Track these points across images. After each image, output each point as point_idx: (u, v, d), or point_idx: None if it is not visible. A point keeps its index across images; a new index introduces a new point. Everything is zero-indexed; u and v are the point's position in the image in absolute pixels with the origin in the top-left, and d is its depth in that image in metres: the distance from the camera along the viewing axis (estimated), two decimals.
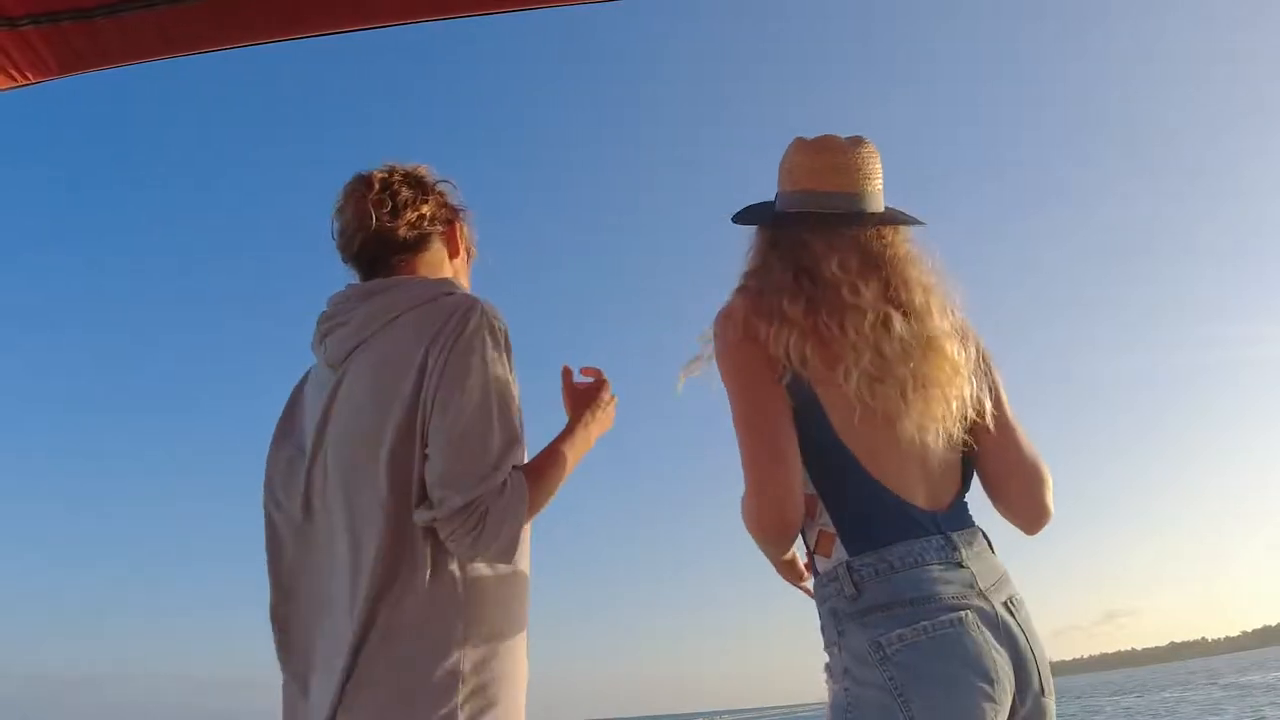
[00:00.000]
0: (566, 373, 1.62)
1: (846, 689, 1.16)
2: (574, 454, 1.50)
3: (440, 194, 1.60)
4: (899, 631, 1.14)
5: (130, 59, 1.79)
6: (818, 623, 1.27)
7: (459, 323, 1.37)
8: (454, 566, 1.32)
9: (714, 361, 1.34)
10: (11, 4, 1.64)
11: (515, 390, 1.39)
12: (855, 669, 1.16)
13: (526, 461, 1.42)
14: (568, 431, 1.53)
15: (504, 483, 1.31)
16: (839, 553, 1.23)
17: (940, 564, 1.19)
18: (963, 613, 1.16)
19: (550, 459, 1.45)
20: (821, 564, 1.26)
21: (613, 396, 1.61)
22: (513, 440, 1.35)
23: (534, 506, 1.37)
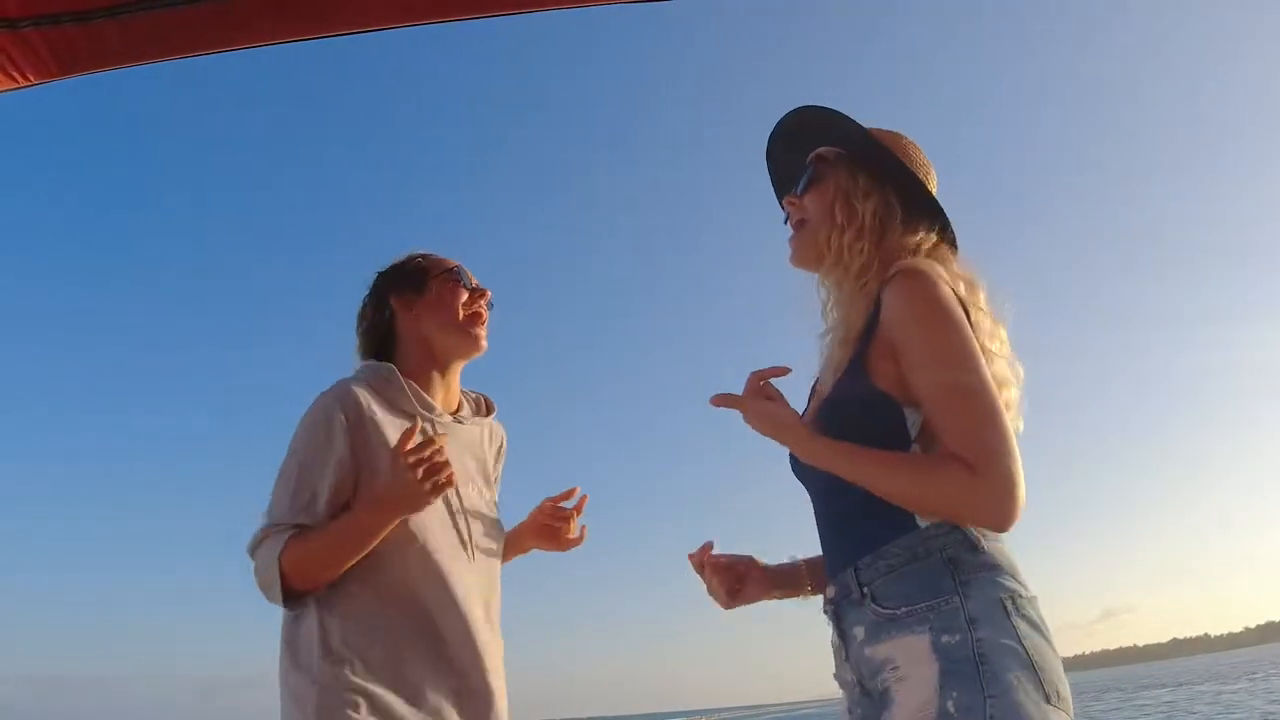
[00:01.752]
0: (406, 434, 1.57)
1: (979, 639, 1.11)
2: (349, 534, 1.56)
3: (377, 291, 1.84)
4: (1024, 594, 1.18)
5: (130, 61, 1.78)
6: (885, 588, 1.19)
7: None
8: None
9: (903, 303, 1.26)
10: (12, 6, 1.64)
11: (321, 453, 1.59)
12: (987, 619, 1.13)
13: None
14: (361, 506, 1.59)
15: (262, 538, 1.59)
16: None
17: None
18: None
19: (325, 536, 1.57)
20: (926, 517, 1.21)
21: (428, 480, 1.52)
22: (279, 496, 1.61)
23: (300, 567, 1.55)
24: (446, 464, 1.53)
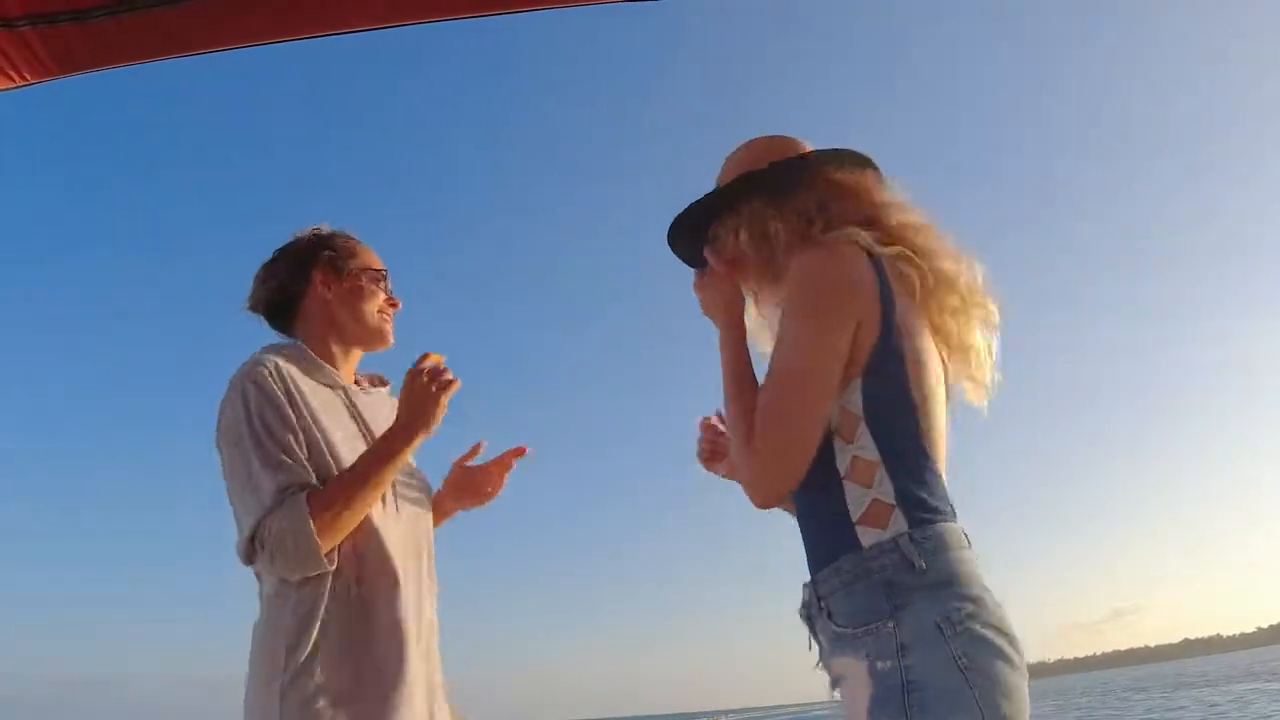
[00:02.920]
0: (421, 361, 1.62)
1: (908, 666, 1.09)
2: (380, 462, 1.55)
3: (296, 251, 1.79)
4: (968, 608, 1.13)
5: (128, 60, 1.79)
6: (838, 605, 1.19)
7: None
8: (269, 592, 1.53)
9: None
10: (9, 5, 1.65)
11: (278, 421, 1.53)
12: (917, 645, 1.10)
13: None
14: (383, 437, 1.59)
15: (273, 506, 1.48)
16: (897, 524, 1.18)
17: (970, 548, 1.21)
18: (997, 596, 1.18)
19: (342, 478, 1.53)
20: (870, 535, 1.18)
21: (434, 383, 1.58)
22: (259, 469, 1.51)
23: (332, 515, 1.48)
24: (447, 370, 1.60)
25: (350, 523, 1.50)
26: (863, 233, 1.28)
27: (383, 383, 1.89)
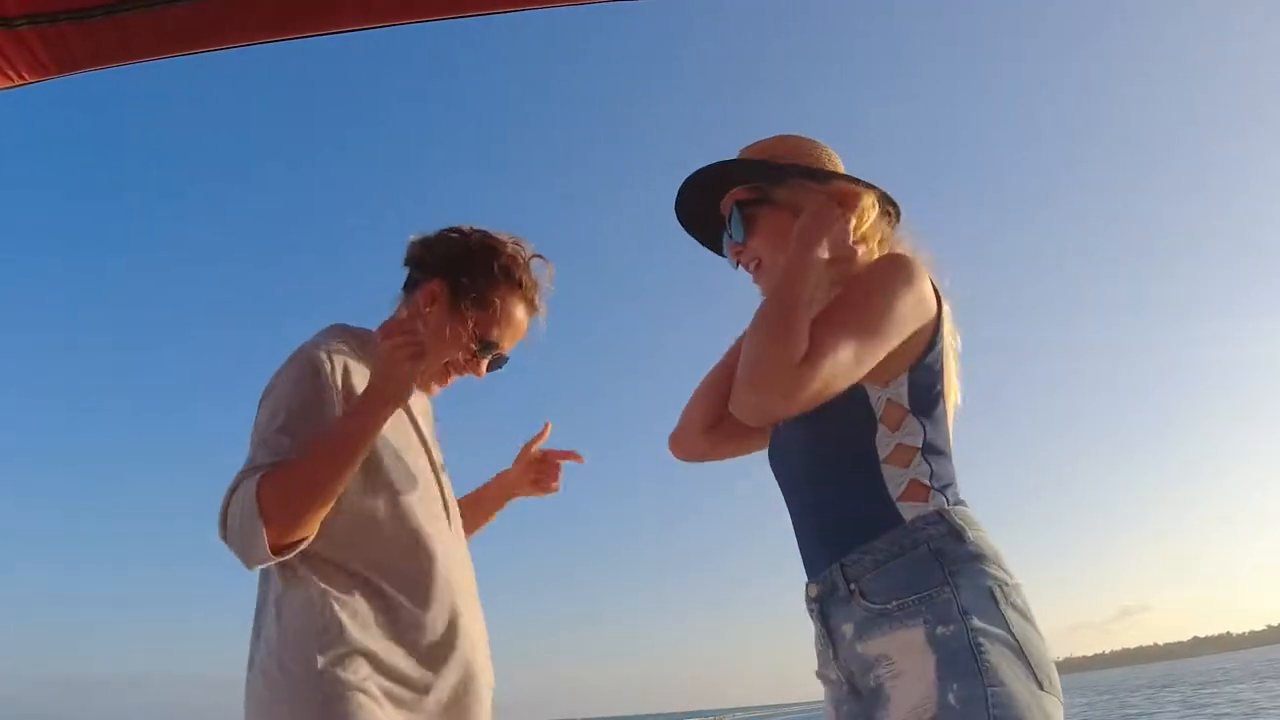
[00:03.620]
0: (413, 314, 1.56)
1: (975, 629, 1.10)
2: (341, 441, 1.39)
3: (449, 248, 1.66)
4: (1011, 582, 1.17)
5: (127, 59, 1.78)
6: (874, 584, 1.18)
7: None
8: (281, 585, 1.44)
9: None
10: (8, 4, 1.64)
11: (309, 405, 1.43)
12: (977, 610, 1.12)
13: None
14: (346, 412, 1.44)
15: (234, 486, 1.38)
16: (936, 500, 1.22)
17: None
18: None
19: (310, 446, 1.39)
20: (912, 509, 1.21)
21: (405, 348, 1.39)
22: (255, 449, 1.42)
23: (282, 495, 1.34)
24: (421, 337, 1.42)
25: (311, 506, 1.35)
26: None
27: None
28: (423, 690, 1.45)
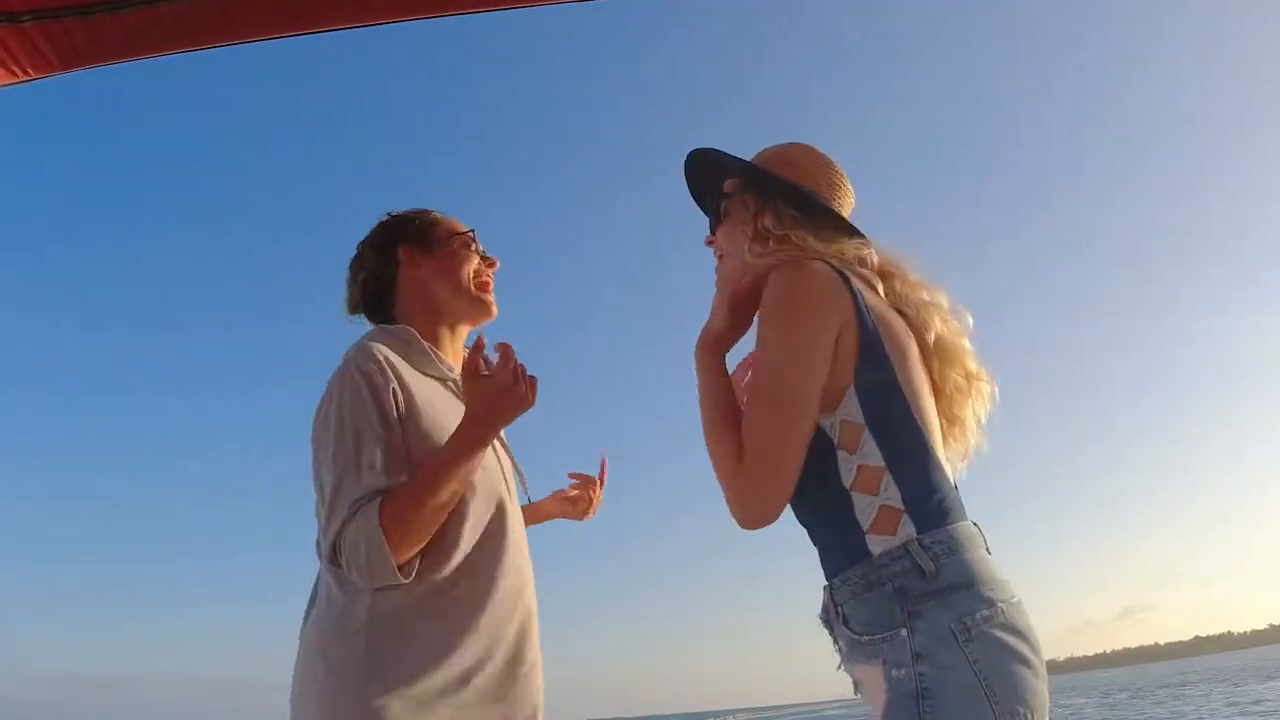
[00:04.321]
0: (477, 348, 1.50)
1: (922, 674, 1.09)
2: (456, 461, 1.43)
3: (384, 229, 1.72)
4: (983, 611, 1.12)
5: (131, 55, 1.79)
6: (853, 612, 1.19)
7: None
8: (343, 596, 1.45)
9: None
10: (13, 0, 1.65)
11: (372, 418, 1.45)
12: (932, 652, 1.10)
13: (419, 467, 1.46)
14: (456, 433, 1.47)
15: (350, 516, 1.40)
16: (906, 529, 1.17)
17: (985, 548, 1.21)
18: (1018, 598, 1.17)
19: (425, 474, 1.43)
20: (879, 543, 1.18)
21: (517, 379, 1.46)
22: (344, 473, 1.43)
23: (404, 524, 1.39)
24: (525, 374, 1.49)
25: (428, 529, 1.42)
26: (833, 258, 1.33)
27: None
28: (463, 681, 1.45)
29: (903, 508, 1.18)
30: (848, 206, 1.46)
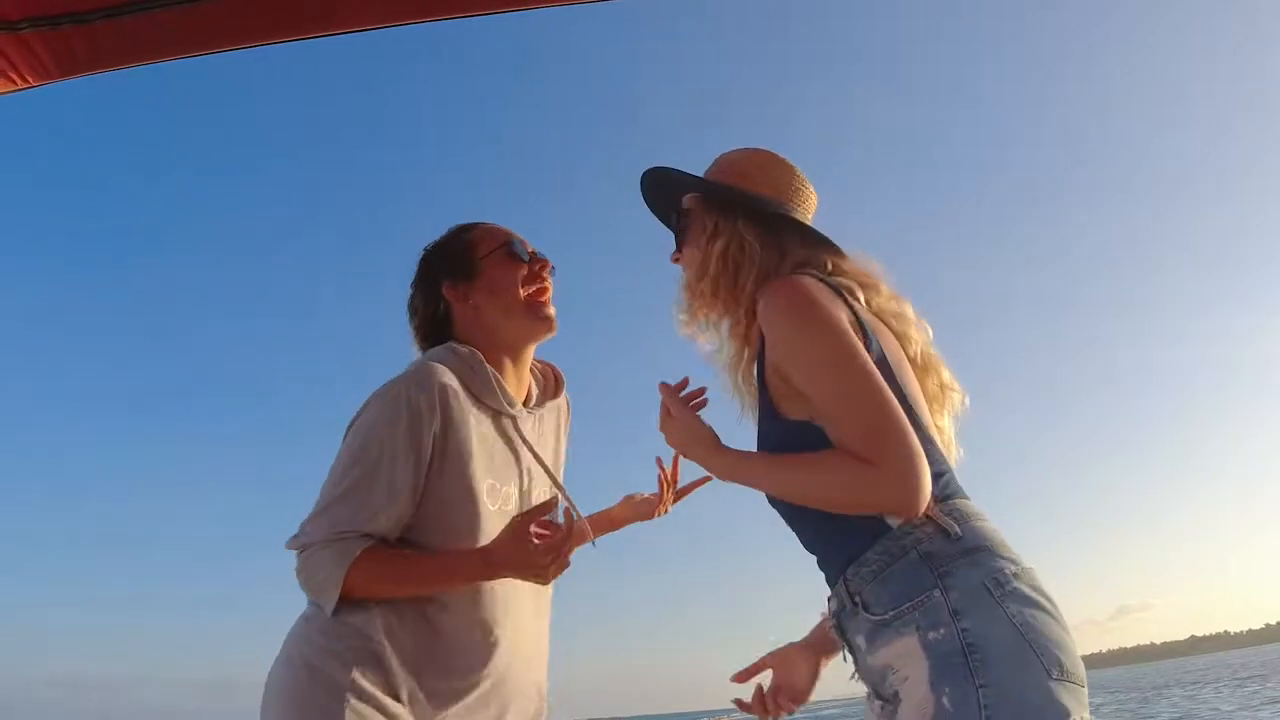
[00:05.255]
0: (545, 507, 1.46)
1: (965, 630, 1.09)
2: (449, 581, 1.45)
3: (434, 259, 1.70)
4: (1011, 569, 1.15)
5: (128, 62, 1.79)
6: (874, 594, 1.17)
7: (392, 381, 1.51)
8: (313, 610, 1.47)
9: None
10: (10, 8, 1.64)
11: (397, 451, 1.43)
12: (971, 608, 1.10)
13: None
14: (467, 559, 1.45)
15: (329, 539, 1.42)
16: None
17: (990, 520, 1.22)
18: (1031, 565, 1.19)
19: (418, 568, 1.46)
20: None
21: (552, 561, 1.41)
22: (349, 492, 1.43)
23: (369, 583, 1.41)
24: (567, 558, 1.44)
25: (389, 594, 1.43)
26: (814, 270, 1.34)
27: (558, 384, 1.75)
28: (450, 699, 1.45)
29: None
30: (811, 212, 1.45)
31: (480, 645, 1.48)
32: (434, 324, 1.63)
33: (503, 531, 1.42)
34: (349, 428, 1.49)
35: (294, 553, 1.46)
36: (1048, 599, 1.15)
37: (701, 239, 1.40)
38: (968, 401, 1.37)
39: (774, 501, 1.34)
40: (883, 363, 1.24)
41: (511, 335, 1.60)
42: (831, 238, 1.41)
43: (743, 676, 1.51)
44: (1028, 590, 1.14)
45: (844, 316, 1.25)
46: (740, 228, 1.38)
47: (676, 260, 1.48)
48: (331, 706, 1.33)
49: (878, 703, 1.23)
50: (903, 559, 1.16)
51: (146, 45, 1.75)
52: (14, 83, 1.73)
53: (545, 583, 1.45)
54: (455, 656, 1.45)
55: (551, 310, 1.63)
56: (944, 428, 1.34)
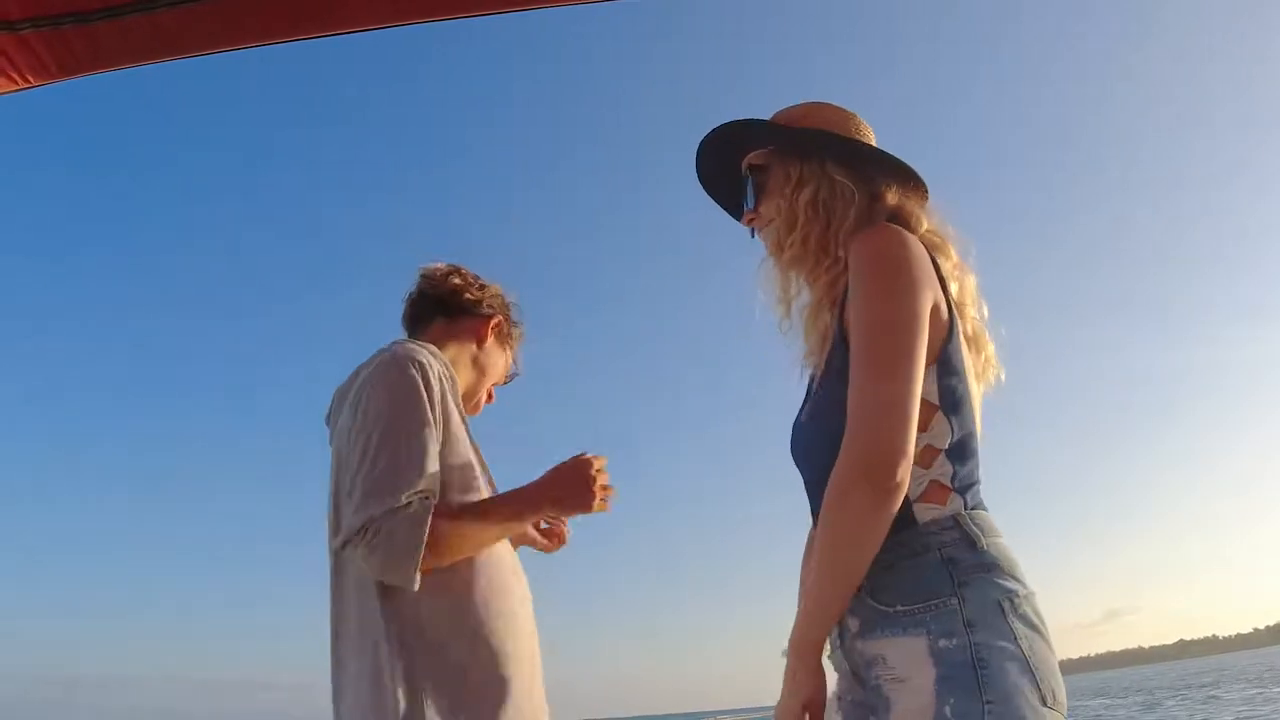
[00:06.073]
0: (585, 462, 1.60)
1: (977, 644, 1.07)
2: (510, 520, 1.54)
3: (496, 293, 1.84)
4: (1022, 591, 1.14)
5: (130, 62, 1.79)
6: (885, 583, 1.15)
7: (370, 364, 1.57)
8: (377, 595, 1.44)
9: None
10: (11, 8, 1.65)
11: (422, 419, 1.48)
12: (984, 623, 1.09)
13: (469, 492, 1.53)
14: (519, 496, 1.56)
15: (399, 505, 1.41)
16: (954, 504, 1.18)
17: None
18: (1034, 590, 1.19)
19: (476, 510, 1.52)
20: (928, 511, 1.17)
21: (601, 488, 1.57)
22: (401, 465, 1.44)
23: (445, 542, 1.44)
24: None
25: (454, 556, 1.46)
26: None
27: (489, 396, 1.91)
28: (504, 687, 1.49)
29: (951, 486, 1.19)
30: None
31: (490, 674, 1.51)
32: (459, 302, 1.79)
33: (551, 472, 1.57)
34: (356, 412, 1.50)
35: (354, 546, 1.42)
36: (1045, 626, 1.15)
37: (786, 189, 1.33)
38: (1003, 376, 1.35)
39: (800, 456, 1.31)
40: (957, 339, 1.22)
41: (474, 380, 1.80)
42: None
43: None
44: (1032, 614, 1.14)
45: (930, 297, 1.18)
46: (829, 169, 1.32)
47: (751, 221, 1.40)
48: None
49: (851, 681, 1.22)
50: (923, 556, 1.15)
51: (147, 45, 1.75)
52: (14, 82, 1.74)
53: (589, 510, 1.58)
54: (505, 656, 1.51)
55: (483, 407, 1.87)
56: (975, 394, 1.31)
